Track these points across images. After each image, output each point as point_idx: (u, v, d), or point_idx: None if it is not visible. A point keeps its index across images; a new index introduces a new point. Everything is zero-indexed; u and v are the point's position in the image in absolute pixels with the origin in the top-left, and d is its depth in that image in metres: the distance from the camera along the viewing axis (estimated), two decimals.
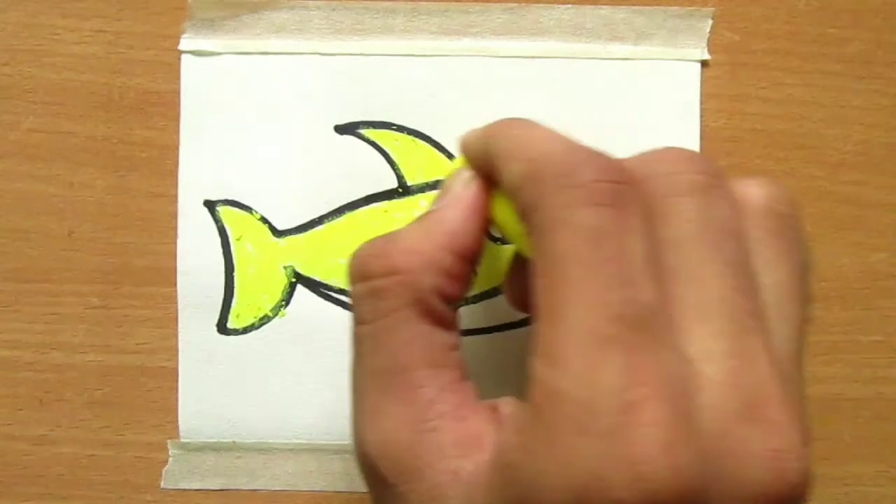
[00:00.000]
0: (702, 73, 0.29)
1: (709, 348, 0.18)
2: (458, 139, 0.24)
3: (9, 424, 0.29)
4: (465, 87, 0.29)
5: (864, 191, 0.29)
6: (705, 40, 0.29)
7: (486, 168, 0.22)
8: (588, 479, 0.17)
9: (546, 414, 0.17)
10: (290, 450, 0.29)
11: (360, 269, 0.22)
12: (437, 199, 0.23)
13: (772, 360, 0.18)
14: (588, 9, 0.29)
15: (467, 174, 0.23)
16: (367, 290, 0.21)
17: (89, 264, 0.29)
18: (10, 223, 0.29)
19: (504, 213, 0.22)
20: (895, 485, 0.29)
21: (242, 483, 0.29)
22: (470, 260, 0.22)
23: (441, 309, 0.21)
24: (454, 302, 0.22)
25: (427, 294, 0.21)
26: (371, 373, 0.21)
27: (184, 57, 0.29)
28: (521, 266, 0.24)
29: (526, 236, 0.20)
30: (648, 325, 0.18)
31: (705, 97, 0.29)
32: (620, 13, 0.29)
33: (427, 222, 0.22)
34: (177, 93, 0.29)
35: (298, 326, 0.29)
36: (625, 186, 0.19)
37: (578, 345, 0.17)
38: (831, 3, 0.29)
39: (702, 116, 0.29)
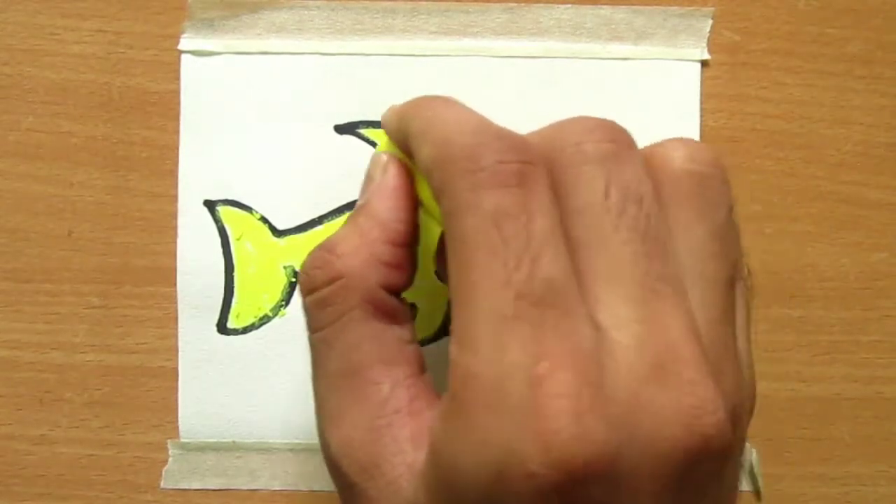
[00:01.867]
0: (702, 73, 0.29)
1: (618, 314, 0.18)
2: (381, 117, 0.24)
3: (9, 424, 0.29)
4: (465, 87, 0.29)
5: (864, 191, 0.29)
6: (705, 40, 0.29)
7: (405, 147, 0.22)
8: (502, 455, 0.17)
9: (461, 397, 0.18)
10: (290, 450, 0.29)
11: (306, 282, 0.22)
12: (362, 190, 0.23)
13: (685, 323, 0.18)
14: (588, 9, 0.29)
15: (383, 158, 0.23)
16: (315, 301, 0.22)
17: (89, 264, 0.29)
18: (10, 223, 0.29)
19: (425, 193, 0.22)
20: (895, 485, 0.29)
21: (242, 483, 0.29)
22: (407, 244, 0.22)
23: (389, 302, 0.22)
24: (401, 290, 0.22)
25: (373, 291, 0.21)
26: (327, 376, 0.21)
27: (184, 57, 0.29)
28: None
29: None
30: (553, 300, 0.18)
31: (705, 97, 0.29)
32: (620, 13, 0.29)
33: (358, 219, 0.22)
34: (177, 93, 0.29)
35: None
36: (528, 166, 0.19)
37: (486, 326, 0.18)
38: (831, 3, 0.29)
39: (702, 116, 0.29)
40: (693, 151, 0.21)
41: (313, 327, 0.22)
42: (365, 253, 0.22)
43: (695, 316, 0.19)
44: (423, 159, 0.21)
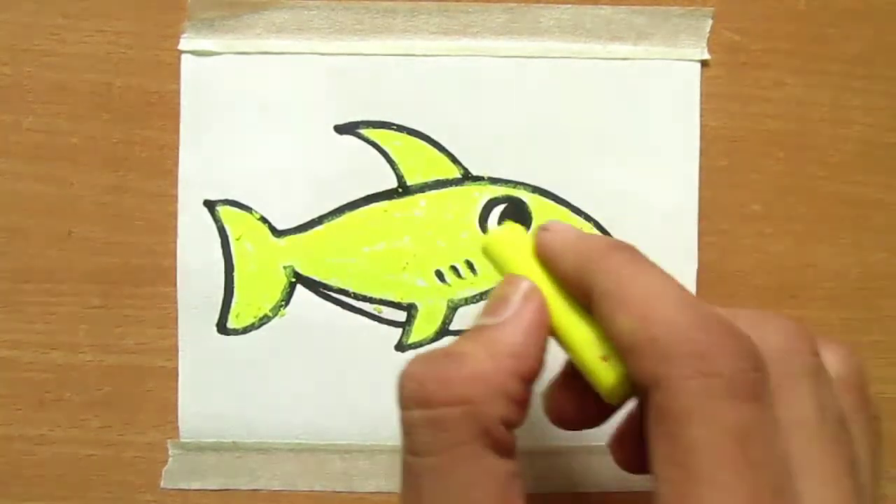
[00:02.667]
0: (702, 73, 0.29)
1: None
2: (541, 235, 0.22)
3: (9, 424, 0.29)
4: (465, 87, 0.29)
5: (864, 191, 0.29)
6: (705, 40, 0.29)
7: (574, 286, 0.21)
8: None
9: None
10: (290, 450, 0.29)
11: (420, 395, 0.19)
12: (492, 309, 0.21)
13: None
14: (588, 9, 0.29)
15: (527, 285, 0.21)
16: (428, 420, 0.19)
17: (89, 264, 0.29)
18: (10, 223, 0.29)
19: (582, 334, 0.21)
20: (895, 485, 0.29)
21: (242, 483, 0.29)
22: (532, 382, 0.20)
23: (506, 438, 0.19)
24: (516, 427, 0.20)
25: (494, 425, 0.19)
26: None
27: (184, 57, 0.29)
28: (564, 385, 0.22)
29: (619, 383, 0.19)
30: None
31: (705, 97, 0.29)
32: (620, 13, 0.29)
33: (489, 342, 0.20)
34: (177, 93, 0.29)
35: (298, 326, 0.29)
36: (763, 375, 0.18)
37: None
38: (831, 3, 0.29)
39: (702, 116, 0.29)
40: (853, 362, 0.21)
41: (418, 450, 0.19)
42: (493, 382, 0.19)
43: None
44: (621, 330, 0.19)
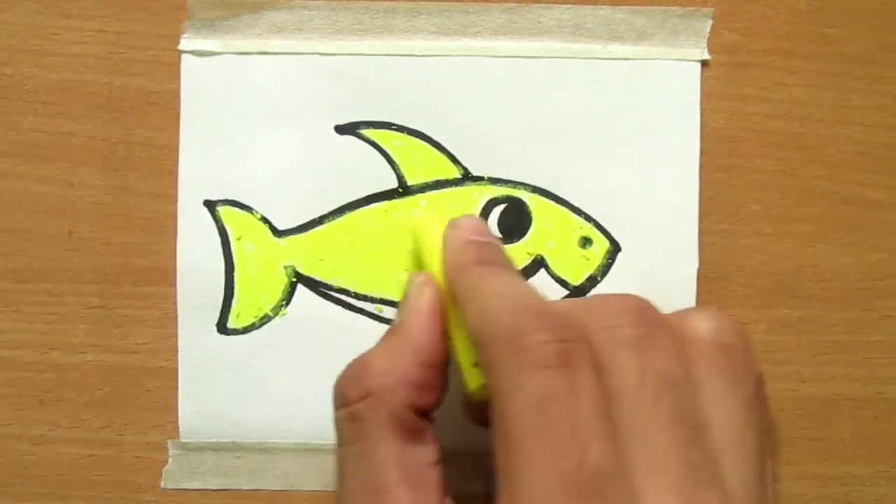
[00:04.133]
0: (702, 73, 0.29)
1: None
2: (446, 232, 0.25)
3: (9, 424, 0.29)
4: (465, 87, 0.29)
5: (864, 191, 0.29)
6: (705, 40, 0.29)
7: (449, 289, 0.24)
8: None
9: None
10: (290, 450, 0.29)
11: (339, 396, 0.23)
12: (399, 311, 0.25)
13: None
14: (588, 9, 0.29)
15: (419, 280, 0.24)
16: (346, 415, 0.23)
17: (89, 264, 0.29)
18: (10, 223, 0.29)
19: (458, 339, 0.23)
20: (895, 485, 0.29)
21: (242, 483, 0.29)
22: (437, 365, 0.23)
23: (417, 423, 0.22)
24: (429, 412, 0.23)
25: (401, 409, 0.22)
26: (352, 492, 0.22)
27: (184, 57, 0.29)
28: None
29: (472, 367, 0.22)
30: (602, 491, 0.18)
31: (705, 97, 0.29)
32: (620, 13, 0.29)
33: (392, 339, 0.24)
34: (177, 93, 0.29)
35: (299, 326, 0.29)
36: (571, 344, 0.20)
37: None
38: (831, 3, 0.29)
39: (702, 116, 0.29)
40: (719, 324, 0.22)
41: (343, 441, 0.23)
42: (395, 372, 0.22)
43: (735, 495, 0.19)
44: (469, 329, 0.22)
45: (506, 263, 0.25)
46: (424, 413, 0.23)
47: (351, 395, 0.23)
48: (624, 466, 0.19)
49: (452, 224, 0.25)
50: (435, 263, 0.25)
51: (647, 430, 0.19)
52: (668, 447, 0.19)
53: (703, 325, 0.22)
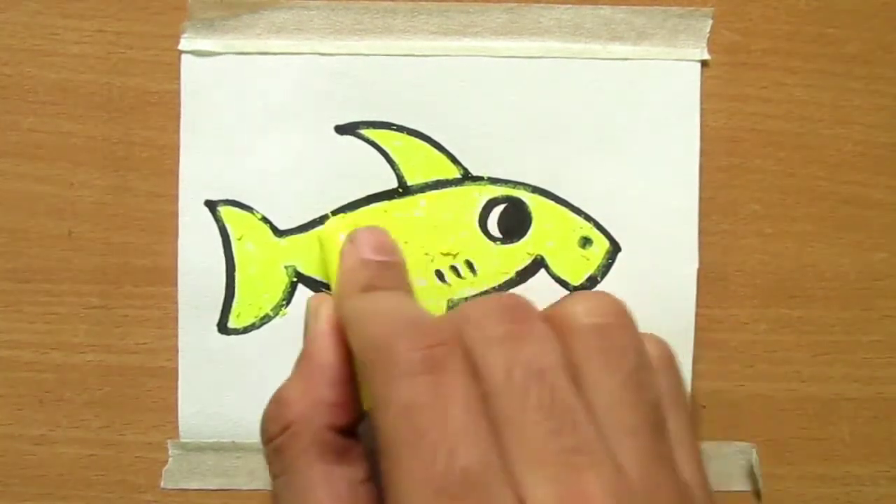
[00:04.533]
0: (702, 73, 0.29)
1: (542, 494, 0.19)
2: (344, 246, 0.26)
3: (9, 424, 0.29)
4: (465, 87, 0.29)
5: (864, 191, 0.29)
6: (705, 40, 0.29)
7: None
8: None
9: None
10: None
11: (263, 433, 0.24)
12: (304, 337, 0.25)
13: (607, 489, 0.19)
14: (588, 9, 0.29)
15: (314, 303, 0.25)
16: (271, 450, 0.23)
17: (89, 264, 0.29)
18: (10, 223, 0.29)
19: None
20: (895, 485, 0.29)
21: (242, 483, 0.29)
22: (349, 381, 0.24)
23: (338, 442, 0.23)
24: (351, 429, 0.24)
25: (321, 433, 0.23)
26: None
27: (184, 57, 0.29)
28: None
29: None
30: (472, 490, 0.18)
31: (705, 97, 0.29)
32: (620, 13, 0.29)
33: (300, 366, 0.24)
34: (177, 93, 0.29)
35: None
36: (439, 349, 0.20)
37: None
38: (831, 3, 0.29)
39: (702, 116, 0.29)
40: (592, 304, 0.22)
41: (273, 474, 0.23)
42: (308, 398, 0.23)
43: (624, 471, 0.19)
44: (354, 353, 0.22)
45: (396, 286, 0.25)
46: (348, 431, 0.23)
47: (272, 430, 0.23)
48: (503, 460, 0.19)
49: (351, 238, 0.26)
50: (335, 277, 0.26)
51: (520, 423, 0.19)
52: (542, 437, 0.19)
53: (578, 309, 0.22)
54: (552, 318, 0.22)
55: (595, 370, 0.21)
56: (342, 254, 0.25)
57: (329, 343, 0.24)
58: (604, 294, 0.23)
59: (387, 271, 0.25)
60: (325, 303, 0.25)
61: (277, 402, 0.24)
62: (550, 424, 0.19)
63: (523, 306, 0.22)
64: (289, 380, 0.24)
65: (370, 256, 0.25)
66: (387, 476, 0.19)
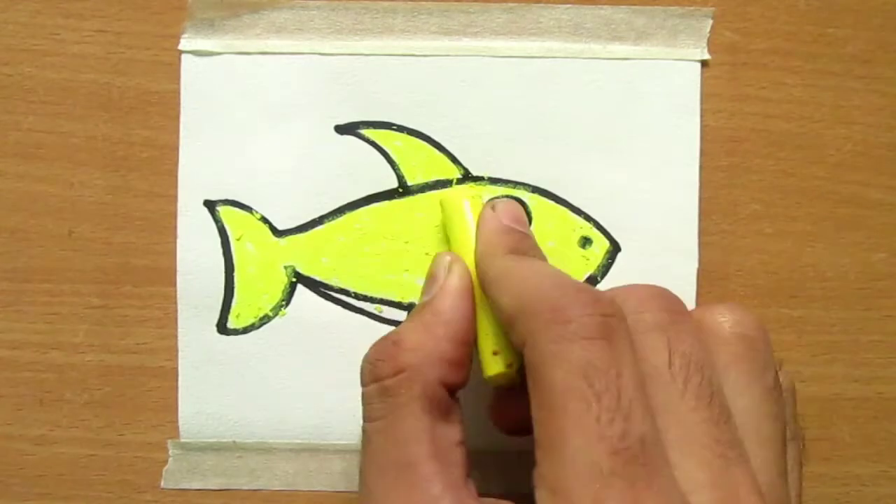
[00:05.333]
0: (702, 73, 0.29)
1: (694, 479, 0.19)
2: (484, 211, 0.25)
3: (9, 424, 0.29)
4: (465, 87, 0.29)
5: (864, 191, 0.29)
6: (705, 40, 0.29)
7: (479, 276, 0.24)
8: None
9: None
10: (290, 450, 0.29)
11: (370, 372, 0.23)
12: (426, 288, 0.25)
13: (753, 488, 0.19)
14: (588, 9, 0.29)
15: (447, 259, 0.25)
16: (377, 390, 0.23)
17: (89, 264, 0.29)
18: (10, 223, 0.29)
19: (484, 328, 0.24)
20: (895, 485, 0.29)
21: (242, 483, 0.29)
22: (467, 342, 0.23)
23: (446, 400, 0.23)
24: (457, 389, 0.23)
25: (433, 386, 0.22)
26: (380, 467, 0.22)
27: (184, 57, 0.29)
28: (507, 394, 0.25)
29: (507, 359, 0.23)
30: (645, 458, 0.18)
31: (705, 97, 0.29)
32: (620, 13, 0.29)
33: (424, 315, 0.24)
34: (177, 93, 0.29)
35: (299, 326, 0.29)
36: (613, 319, 0.20)
37: (582, 479, 0.18)
38: (831, 3, 0.29)
39: (702, 116, 0.29)
40: (739, 316, 0.23)
41: (371, 416, 0.23)
42: (429, 348, 0.23)
43: (757, 478, 0.20)
44: (503, 308, 0.22)
45: (541, 256, 0.25)
46: (452, 391, 0.23)
47: (383, 371, 0.23)
48: (662, 438, 0.19)
49: (492, 205, 0.25)
50: (464, 242, 0.25)
51: (677, 408, 0.20)
52: (698, 425, 0.20)
53: (724, 318, 0.23)
54: (699, 320, 0.23)
55: (739, 377, 0.22)
56: (483, 218, 0.25)
57: (459, 300, 0.24)
58: (747, 309, 0.23)
59: (530, 240, 0.25)
60: (460, 262, 0.24)
61: (396, 343, 0.23)
62: (707, 413, 0.20)
63: (677, 299, 0.22)
64: (407, 323, 0.24)
65: (514, 224, 0.25)
66: (550, 428, 0.19)
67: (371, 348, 0.24)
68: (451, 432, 0.22)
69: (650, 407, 0.19)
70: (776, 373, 0.23)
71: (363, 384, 0.23)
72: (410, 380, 0.22)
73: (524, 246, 0.24)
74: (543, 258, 0.25)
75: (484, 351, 0.24)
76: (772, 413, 0.22)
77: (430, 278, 0.25)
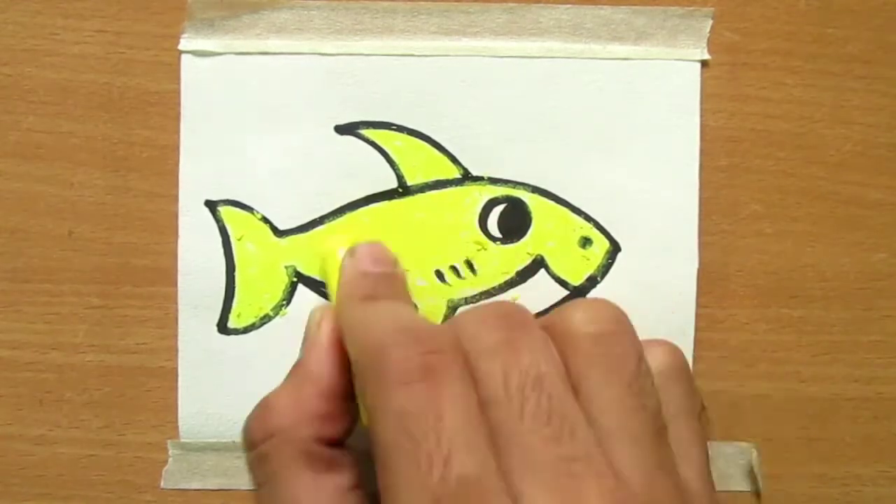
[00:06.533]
0: (702, 73, 0.29)
1: (542, 503, 0.18)
2: (344, 261, 0.26)
3: (9, 424, 0.29)
4: (465, 87, 0.29)
5: (864, 191, 0.29)
6: (705, 40, 0.29)
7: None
8: None
9: None
10: None
11: (247, 439, 0.24)
12: (301, 347, 0.25)
13: (607, 499, 0.19)
14: (588, 9, 0.29)
15: (317, 314, 0.25)
16: (255, 457, 0.23)
17: (89, 264, 0.29)
18: (10, 223, 0.29)
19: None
20: (895, 485, 0.29)
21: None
22: (340, 395, 0.23)
23: (327, 454, 0.23)
24: (340, 440, 0.23)
25: (307, 444, 0.22)
26: None
27: (184, 57, 0.29)
28: None
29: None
30: (473, 497, 0.18)
31: (705, 97, 0.29)
32: (620, 13, 0.29)
33: (294, 376, 0.24)
34: (177, 93, 0.29)
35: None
36: (434, 356, 0.20)
37: None
38: (831, 3, 0.29)
39: (702, 116, 0.29)
40: (591, 313, 0.22)
41: (256, 482, 0.23)
42: (298, 409, 0.23)
43: (624, 479, 0.19)
44: (351, 360, 0.22)
45: (396, 296, 0.25)
46: (334, 443, 0.23)
47: (256, 436, 0.23)
48: (502, 469, 0.19)
49: (350, 252, 0.26)
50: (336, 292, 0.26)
51: (518, 431, 0.19)
52: (539, 445, 0.19)
53: (576, 317, 0.22)
54: (550, 327, 0.22)
55: (594, 378, 0.21)
56: (342, 267, 0.25)
57: (325, 354, 0.24)
58: (602, 301, 0.23)
59: (386, 281, 0.25)
60: (328, 314, 0.25)
61: (264, 407, 0.24)
62: (548, 432, 0.19)
63: (520, 314, 0.22)
64: (278, 388, 0.24)
65: (370, 268, 0.25)
66: (383, 486, 0.19)
67: (248, 415, 0.24)
68: (341, 480, 0.22)
69: (487, 441, 0.19)
70: (636, 361, 0.22)
71: (245, 451, 0.24)
72: (283, 442, 0.22)
73: (379, 290, 0.24)
74: (402, 297, 0.25)
75: (360, 400, 0.23)
76: (636, 406, 0.21)
77: (304, 335, 0.25)
